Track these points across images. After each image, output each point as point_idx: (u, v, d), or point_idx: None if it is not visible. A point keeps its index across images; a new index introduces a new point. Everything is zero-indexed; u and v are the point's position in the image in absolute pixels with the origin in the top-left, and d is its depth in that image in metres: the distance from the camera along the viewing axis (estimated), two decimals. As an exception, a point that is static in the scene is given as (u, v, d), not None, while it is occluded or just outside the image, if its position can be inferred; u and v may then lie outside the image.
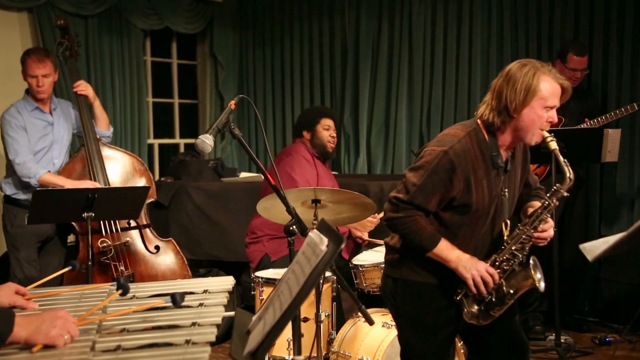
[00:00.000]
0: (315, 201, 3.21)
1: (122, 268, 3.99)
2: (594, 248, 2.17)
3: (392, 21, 5.63)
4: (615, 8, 4.66)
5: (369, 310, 2.90)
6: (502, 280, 2.37)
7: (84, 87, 4.11)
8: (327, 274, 3.17)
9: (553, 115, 2.32)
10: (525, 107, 2.28)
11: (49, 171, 3.95)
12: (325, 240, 1.50)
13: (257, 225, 3.83)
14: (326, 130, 3.93)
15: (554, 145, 2.33)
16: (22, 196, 4.00)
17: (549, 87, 2.27)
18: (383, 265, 2.63)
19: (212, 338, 1.55)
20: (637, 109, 4.10)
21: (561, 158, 2.34)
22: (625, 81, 4.66)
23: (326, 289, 3.23)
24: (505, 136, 2.36)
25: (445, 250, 2.34)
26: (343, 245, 1.47)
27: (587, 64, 4.39)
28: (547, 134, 2.34)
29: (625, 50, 4.64)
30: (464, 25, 5.29)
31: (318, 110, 4.24)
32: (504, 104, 2.29)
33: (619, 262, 4.51)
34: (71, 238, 4.30)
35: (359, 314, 3.01)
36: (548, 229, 2.39)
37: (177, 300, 1.70)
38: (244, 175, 5.68)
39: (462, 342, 2.92)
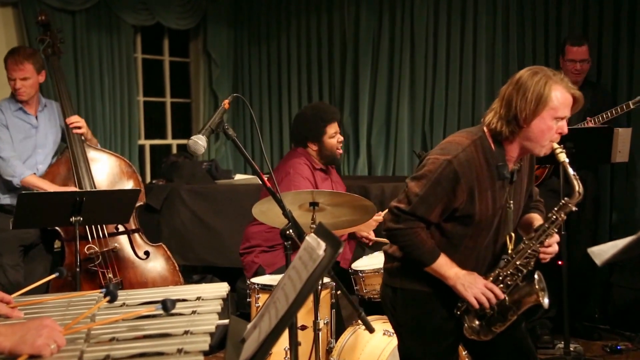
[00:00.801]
0: (313, 204, 3.14)
1: (110, 275, 3.93)
2: (602, 252, 2.14)
3: (393, 16, 5.59)
4: (626, 5, 4.59)
5: (370, 318, 2.87)
6: (505, 295, 2.34)
7: (78, 124, 3.96)
8: (326, 279, 3.10)
9: (563, 126, 2.28)
10: (536, 117, 2.24)
11: (34, 174, 3.88)
12: (323, 244, 1.48)
13: (252, 234, 3.77)
14: (333, 138, 3.72)
15: (563, 157, 2.30)
16: (4, 201, 3.93)
17: (560, 96, 2.24)
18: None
19: (206, 347, 1.53)
20: (632, 107, 4.02)
21: (570, 171, 2.30)
22: (636, 78, 4.60)
23: (325, 295, 3.16)
24: (514, 146, 2.33)
25: (444, 266, 2.33)
26: (341, 250, 1.44)
27: (588, 54, 4.29)
28: (556, 146, 2.31)
29: (636, 47, 4.59)
30: (468, 20, 5.24)
31: (321, 117, 3.76)
32: (513, 113, 2.26)
33: (631, 266, 4.44)
34: (58, 244, 4.24)
35: (359, 321, 2.95)
36: (553, 244, 2.37)
37: (168, 306, 1.67)
38: (239, 177, 5.69)
39: (466, 351, 2.84)
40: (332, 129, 3.72)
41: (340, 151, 3.79)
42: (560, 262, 3.82)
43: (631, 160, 4.26)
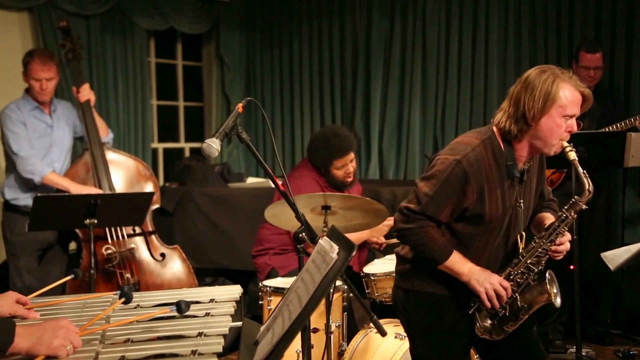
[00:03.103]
0: (325, 207, 3.16)
1: (127, 275, 3.97)
2: (616, 257, 2.17)
3: (405, 21, 5.56)
4: (639, 8, 4.53)
5: (382, 321, 2.83)
6: (516, 294, 2.34)
7: (88, 94, 4.08)
8: (338, 282, 3.11)
9: (572, 125, 2.27)
10: (544, 115, 2.23)
11: (54, 171, 3.90)
12: (336, 247, 1.48)
13: (265, 236, 3.76)
14: (340, 169, 3.61)
15: (573, 155, 2.29)
16: (21, 202, 3.95)
17: (568, 94, 2.23)
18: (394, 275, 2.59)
19: (219, 349, 1.54)
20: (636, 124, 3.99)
21: (580, 169, 2.29)
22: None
23: (337, 298, 3.17)
24: (523, 145, 2.31)
25: (457, 263, 2.31)
26: (354, 253, 1.44)
27: (601, 62, 4.25)
28: (566, 144, 2.29)
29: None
30: (479, 24, 5.20)
31: (331, 150, 3.60)
32: (521, 112, 2.25)
33: (643, 271, 4.41)
34: (72, 245, 4.24)
35: (371, 324, 2.90)
36: (565, 242, 2.35)
37: (182, 307, 1.68)
38: (251, 180, 5.70)
39: (477, 355, 2.84)
40: (340, 162, 3.60)
41: (351, 179, 3.65)
42: (572, 267, 3.80)
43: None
